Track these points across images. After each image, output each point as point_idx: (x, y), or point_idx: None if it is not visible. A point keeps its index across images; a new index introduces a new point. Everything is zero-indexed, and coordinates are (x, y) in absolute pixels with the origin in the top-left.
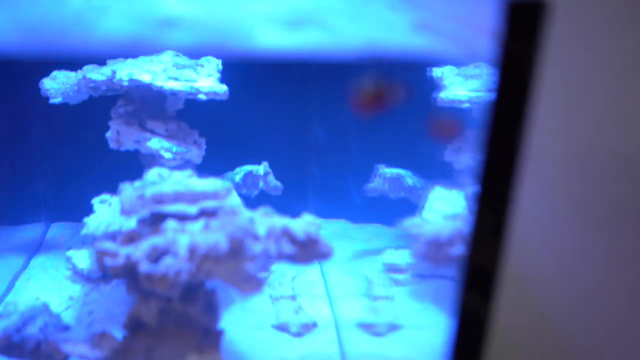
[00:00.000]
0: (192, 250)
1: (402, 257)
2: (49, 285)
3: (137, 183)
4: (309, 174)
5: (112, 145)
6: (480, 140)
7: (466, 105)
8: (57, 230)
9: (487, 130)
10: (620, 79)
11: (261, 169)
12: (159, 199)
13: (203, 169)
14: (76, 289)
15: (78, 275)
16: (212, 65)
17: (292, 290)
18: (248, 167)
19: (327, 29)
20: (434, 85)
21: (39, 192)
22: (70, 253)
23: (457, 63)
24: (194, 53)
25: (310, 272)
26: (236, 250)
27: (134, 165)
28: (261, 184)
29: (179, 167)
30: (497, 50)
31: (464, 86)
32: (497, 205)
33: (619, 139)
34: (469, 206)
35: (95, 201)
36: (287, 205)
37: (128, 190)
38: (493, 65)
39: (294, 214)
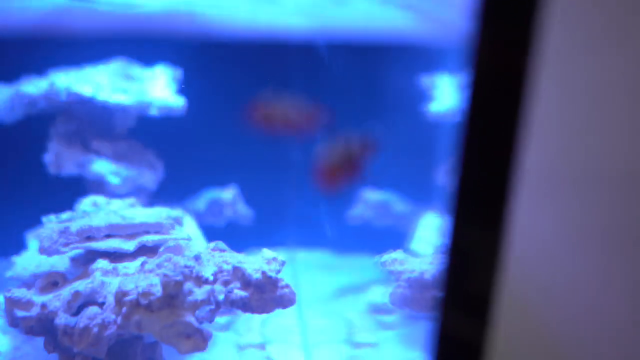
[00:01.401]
0: (119, 298)
1: (389, 294)
2: None
3: (65, 215)
4: (284, 198)
5: (52, 169)
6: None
7: (459, 118)
8: None
9: (470, 140)
10: (635, 83)
11: (228, 194)
12: (89, 234)
13: (160, 196)
14: (5, 342)
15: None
16: (167, 76)
17: (261, 337)
18: (213, 193)
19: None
20: (424, 96)
21: None
22: None
23: (450, 70)
24: (148, 57)
25: (283, 314)
26: (173, 296)
27: (78, 193)
28: (229, 211)
29: (131, 194)
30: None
31: (459, 97)
32: (488, 226)
33: (633, 153)
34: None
35: (30, 236)
36: (259, 234)
37: (50, 224)
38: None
39: (267, 244)
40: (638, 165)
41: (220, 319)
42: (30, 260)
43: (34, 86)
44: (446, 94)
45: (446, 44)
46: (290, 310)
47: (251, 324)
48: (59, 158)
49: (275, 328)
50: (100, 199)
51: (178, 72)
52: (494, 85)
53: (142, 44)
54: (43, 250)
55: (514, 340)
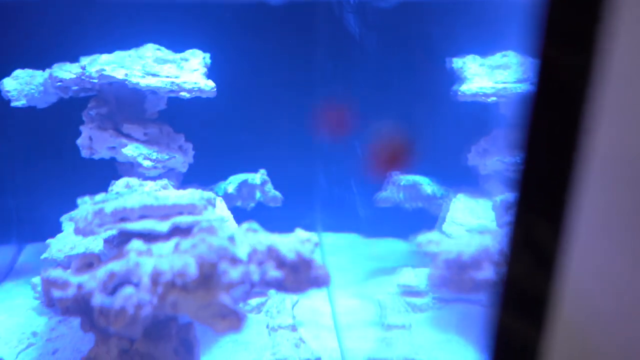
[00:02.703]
0: (155, 278)
1: (420, 277)
2: (12, 318)
3: (99, 196)
4: (313, 182)
5: (84, 153)
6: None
7: (493, 99)
8: (31, 251)
9: (530, 130)
10: None
11: (258, 177)
12: (123, 216)
13: (190, 179)
14: (41, 322)
15: (45, 304)
16: (197, 59)
17: (293, 319)
18: (243, 176)
19: None
20: (454, 78)
21: (8, 210)
22: (36, 280)
23: (481, 52)
24: (179, 41)
25: (314, 297)
26: (208, 277)
27: (110, 176)
28: (258, 194)
29: (162, 177)
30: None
31: (490, 78)
32: (547, 218)
33: None
34: (501, 217)
35: (65, 218)
36: (288, 218)
37: (85, 205)
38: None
39: (296, 227)
40: None
41: (251, 301)
42: (64, 242)
43: (66, 71)
44: (477, 75)
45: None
46: (321, 292)
47: (283, 306)
48: (91, 142)
49: (307, 310)
50: (133, 180)
51: (209, 56)
52: (559, 77)
53: (174, 28)
54: (78, 231)
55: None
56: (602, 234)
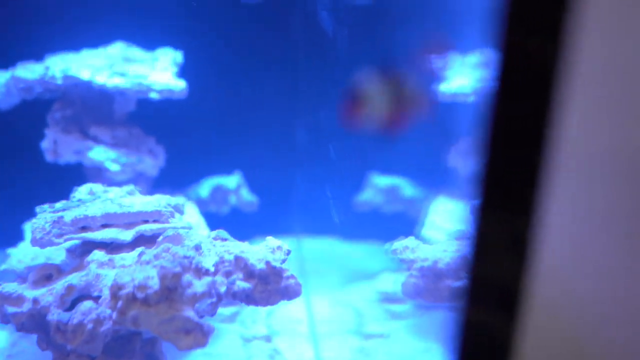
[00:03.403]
0: (115, 291)
1: (400, 282)
2: None
3: (59, 204)
4: (290, 185)
5: (49, 157)
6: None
7: (472, 99)
8: None
9: (498, 122)
10: None
11: (232, 180)
12: (84, 224)
13: (162, 183)
14: (2, 337)
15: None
16: (168, 58)
17: (268, 329)
18: (216, 179)
19: None
20: (433, 77)
21: None
22: None
23: (460, 49)
24: (149, 40)
25: (290, 305)
26: (171, 289)
27: (77, 180)
28: (233, 198)
29: (131, 182)
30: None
31: (469, 77)
32: (514, 212)
33: None
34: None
35: (27, 226)
36: (264, 222)
37: (44, 214)
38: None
39: (273, 232)
40: None
41: (224, 310)
42: (25, 252)
43: (30, 71)
44: (457, 74)
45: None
46: (297, 300)
47: (257, 316)
48: (56, 145)
49: (282, 319)
50: (97, 186)
51: (179, 55)
52: (525, 67)
53: (143, 26)
54: (35, 242)
55: (541, 338)
56: (573, 223)
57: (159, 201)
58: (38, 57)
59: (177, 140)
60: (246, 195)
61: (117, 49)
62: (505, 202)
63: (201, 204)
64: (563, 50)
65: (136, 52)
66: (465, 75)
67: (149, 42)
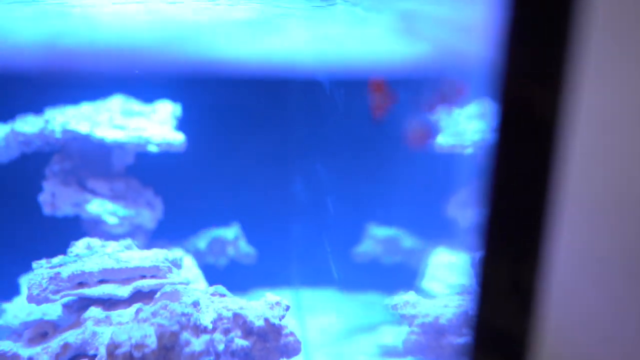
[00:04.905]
0: (112, 350)
1: (401, 336)
2: None
3: (56, 259)
4: (289, 236)
5: (47, 210)
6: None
7: (469, 150)
8: None
9: (501, 171)
10: None
11: (230, 232)
12: (81, 280)
13: (159, 235)
14: None
15: None
16: (167, 111)
17: None
18: (214, 231)
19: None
20: (431, 128)
21: None
22: None
23: (462, 101)
24: (148, 94)
25: None
26: (169, 348)
27: (75, 233)
28: (231, 250)
29: (129, 234)
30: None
31: (466, 128)
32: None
33: None
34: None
35: (23, 280)
36: (263, 274)
37: (40, 270)
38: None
39: (271, 284)
40: None
41: None
42: (21, 307)
43: (29, 124)
44: (454, 126)
45: (460, 74)
46: (297, 358)
47: None
48: (54, 198)
49: None
50: (94, 241)
51: (178, 109)
52: (525, 117)
53: (142, 81)
54: (31, 298)
55: None
56: (581, 271)
57: (157, 256)
58: (37, 110)
59: (175, 192)
60: (244, 246)
61: (117, 103)
62: (509, 251)
63: (199, 256)
64: (563, 100)
65: (135, 105)
66: (463, 126)
67: (148, 95)
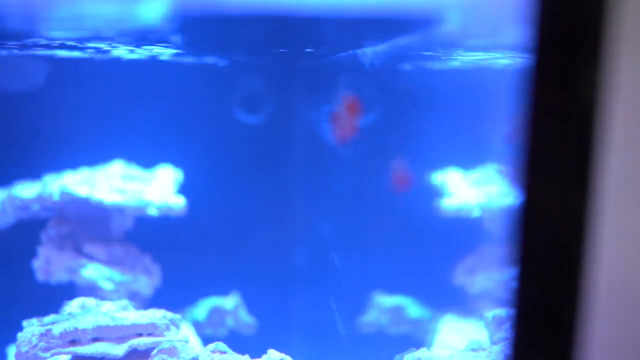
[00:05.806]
0: None
1: None
2: None
3: (49, 318)
4: (290, 305)
5: (40, 276)
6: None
7: (476, 214)
8: None
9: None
10: None
11: (230, 301)
12: (73, 338)
13: (156, 303)
14: None
15: None
16: (168, 176)
17: None
18: (214, 300)
19: None
20: (436, 192)
21: None
22: None
23: (463, 165)
24: (148, 158)
25: None
26: None
27: (70, 299)
28: (230, 320)
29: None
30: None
31: (473, 191)
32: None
33: None
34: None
35: (11, 350)
36: (263, 346)
37: (31, 327)
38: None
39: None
40: None
41: None
42: None
43: (27, 189)
44: (460, 189)
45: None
46: None
47: None
48: (48, 264)
49: None
50: (89, 300)
51: (179, 173)
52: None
53: (143, 144)
54: (20, 356)
55: None
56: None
57: (154, 314)
58: (35, 176)
59: (174, 258)
60: (244, 316)
61: (117, 168)
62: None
63: (197, 326)
64: (587, 198)
65: (136, 170)
66: (468, 190)
67: (149, 161)
